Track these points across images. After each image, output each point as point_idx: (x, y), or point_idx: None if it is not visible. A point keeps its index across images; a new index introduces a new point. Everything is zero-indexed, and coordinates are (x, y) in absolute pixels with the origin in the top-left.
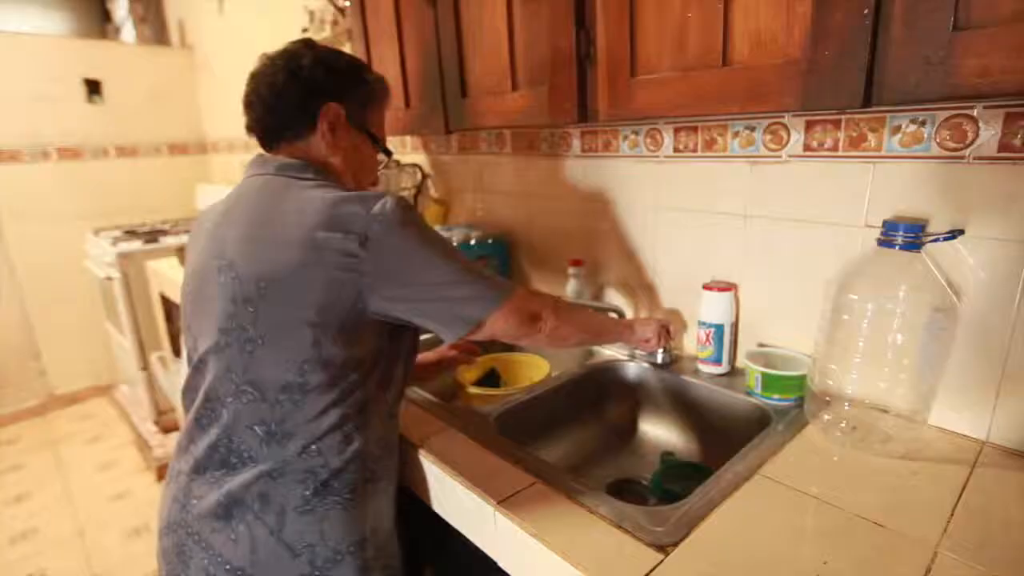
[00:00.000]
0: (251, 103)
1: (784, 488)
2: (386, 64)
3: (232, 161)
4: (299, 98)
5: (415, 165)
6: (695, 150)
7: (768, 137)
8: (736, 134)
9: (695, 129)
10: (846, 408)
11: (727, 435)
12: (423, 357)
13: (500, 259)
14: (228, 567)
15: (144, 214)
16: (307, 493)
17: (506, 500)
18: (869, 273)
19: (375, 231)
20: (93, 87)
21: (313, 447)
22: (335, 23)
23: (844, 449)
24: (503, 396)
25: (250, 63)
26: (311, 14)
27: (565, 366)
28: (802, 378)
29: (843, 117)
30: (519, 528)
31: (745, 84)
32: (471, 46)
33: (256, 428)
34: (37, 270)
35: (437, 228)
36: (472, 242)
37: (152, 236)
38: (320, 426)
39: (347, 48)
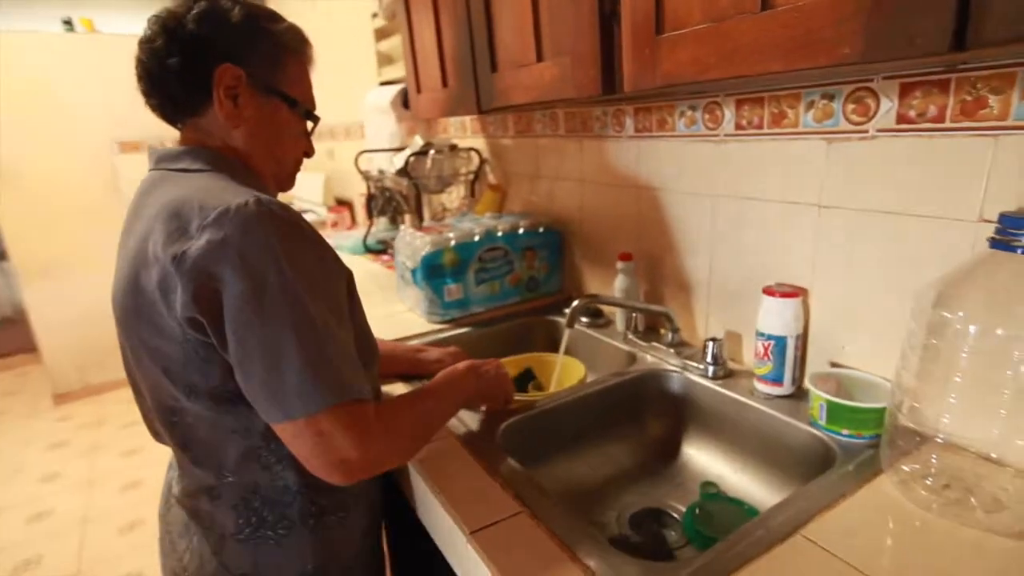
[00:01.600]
0: (139, 76)
1: (833, 560)
2: (425, 42)
3: (319, 149)
4: (185, 64)
5: (472, 149)
6: (760, 126)
7: (851, 107)
8: (810, 104)
9: (760, 101)
10: (934, 460)
11: (781, 471)
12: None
13: (551, 251)
14: (184, 570)
15: None
16: (240, 521)
17: (480, 531)
18: (980, 284)
19: (201, 243)
20: None
21: (229, 477)
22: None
23: (930, 513)
24: (528, 402)
25: (336, 54)
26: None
27: (605, 371)
28: (879, 412)
29: (953, 76)
30: (484, 566)
31: (789, 32)
32: (499, 14)
33: (173, 448)
34: None
35: (488, 216)
36: (520, 231)
37: None
38: (227, 455)
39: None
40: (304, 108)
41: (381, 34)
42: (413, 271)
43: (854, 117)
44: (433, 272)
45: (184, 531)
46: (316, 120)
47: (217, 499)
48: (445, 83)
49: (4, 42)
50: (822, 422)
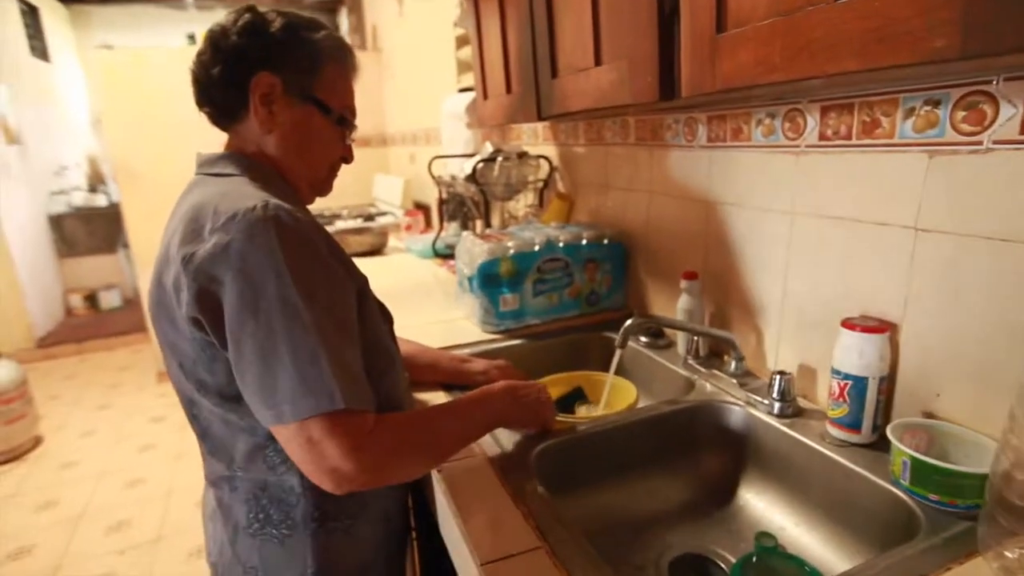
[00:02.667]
0: (192, 86)
1: None
2: (492, 47)
3: (402, 154)
4: (225, 72)
5: (542, 157)
6: (848, 136)
7: (961, 114)
8: (910, 112)
9: (849, 107)
10: None
11: (853, 531)
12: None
13: (615, 264)
14: (210, 554)
15: (324, 201)
16: (250, 515)
17: (492, 564)
18: None
19: (206, 248)
20: None
21: (239, 472)
22: None
23: None
24: (570, 424)
25: (420, 61)
26: (461, 7)
27: (660, 396)
28: (979, 479)
29: None
30: None
31: (866, 24)
32: (561, 16)
33: (197, 438)
34: None
35: (552, 226)
36: (583, 242)
37: (328, 220)
38: (237, 450)
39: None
40: (338, 114)
41: (461, 41)
42: (470, 278)
43: (965, 127)
44: (489, 280)
45: (212, 515)
46: (350, 126)
47: (235, 490)
48: (509, 89)
49: (136, 55)
50: (905, 482)
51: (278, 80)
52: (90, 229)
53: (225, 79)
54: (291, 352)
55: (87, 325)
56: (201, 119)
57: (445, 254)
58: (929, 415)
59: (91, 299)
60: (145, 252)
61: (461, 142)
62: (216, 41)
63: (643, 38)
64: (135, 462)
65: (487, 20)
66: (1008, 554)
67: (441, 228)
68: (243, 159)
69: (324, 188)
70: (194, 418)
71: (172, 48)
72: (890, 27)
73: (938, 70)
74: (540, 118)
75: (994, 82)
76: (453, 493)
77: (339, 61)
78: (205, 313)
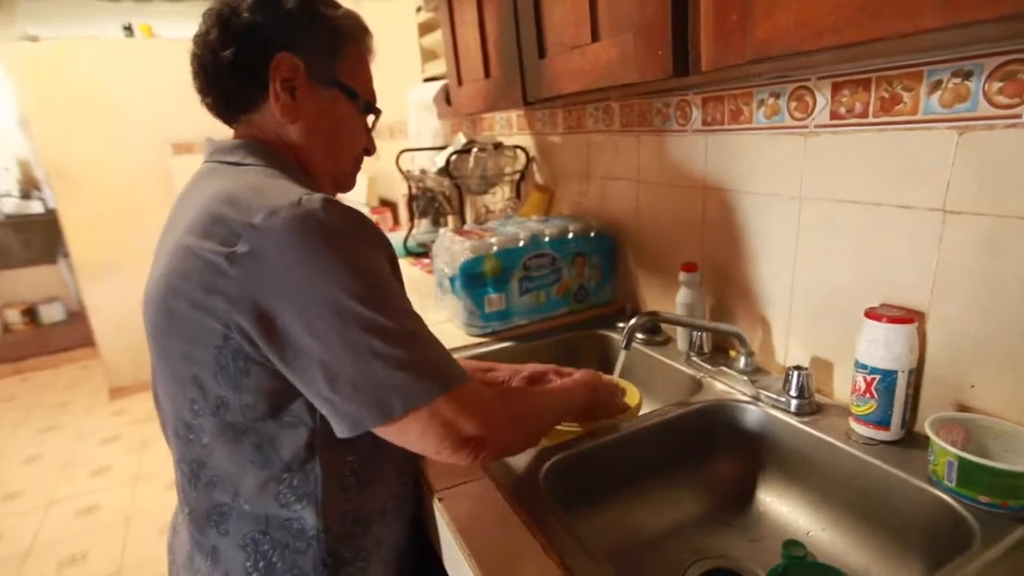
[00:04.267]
0: (195, 73)
1: None
2: (467, 29)
3: None
4: (240, 55)
5: (518, 147)
6: (864, 114)
7: (996, 86)
8: (937, 85)
9: (865, 84)
10: None
11: (890, 537)
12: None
13: (603, 257)
14: None
15: None
16: (248, 564)
17: None
18: None
19: (252, 245)
20: None
21: (245, 505)
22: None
23: None
24: (580, 434)
25: (380, 50)
26: None
27: (664, 397)
28: None
29: None
30: None
31: None
32: None
33: (182, 466)
34: None
35: (534, 219)
36: (569, 236)
37: None
38: (245, 482)
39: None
40: (364, 101)
41: (425, 28)
42: (452, 279)
43: (1001, 99)
44: (473, 280)
45: (188, 563)
46: (378, 113)
47: (226, 534)
48: (488, 73)
49: (65, 48)
50: (950, 483)
51: (300, 62)
52: (25, 238)
53: (238, 62)
54: (396, 335)
55: (27, 342)
56: (143, 115)
57: (418, 252)
58: (963, 408)
59: (30, 314)
60: (89, 261)
61: (429, 134)
62: (225, 20)
63: (652, 7)
64: (87, 488)
65: (460, 2)
66: None
67: (412, 225)
68: (263, 148)
69: (348, 183)
70: (187, 443)
71: (107, 40)
72: None
73: (985, 35)
74: (526, 103)
75: None
76: (460, 527)
77: (359, 41)
78: (255, 321)
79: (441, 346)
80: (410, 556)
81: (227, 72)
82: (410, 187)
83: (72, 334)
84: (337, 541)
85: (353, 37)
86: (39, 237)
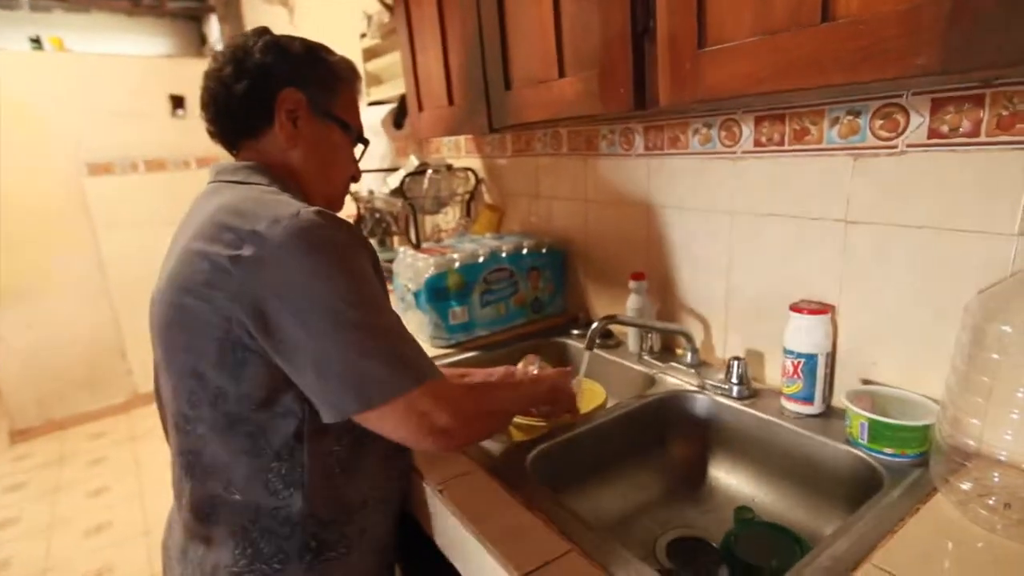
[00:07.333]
0: (205, 104)
1: None
2: (429, 57)
3: None
4: (251, 89)
5: (468, 169)
6: (781, 143)
7: (879, 123)
8: (835, 120)
9: (781, 118)
10: (996, 478)
11: (819, 493)
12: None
13: (555, 271)
14: None
15: None
16: (236, 552)
17: (532, 573)
18: None
19: (255, 249)
20: (177, 102)
21: (236, 494)
22: (392, 31)
23: (993, 534)
24: (548, 428)
25: None
26: (368, 18)
27: (622, 394)
28: (926, 429)
29: (988, 91)
30: None
31: (855, 43)
32: (515, 28)
33: (180, 457)
34: (126, 274)
35: (488, 236)
36: (524, 251)
37: None
38: (236, 472)
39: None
40: (355, 132)
41: (370, 54)
42: (416, 294)
43: (883, 133)
44: (437, 295)
45: (181, 557)
46: (366, 143)
47: (217, 524)
48: (452, 101)
49: None
50: (863, 441)
51: (303, 96)
52: None
53: (250, 95)
54: (378, 333)
55: None
56: (56, 132)
57: None
58: (867, 382)
59: None
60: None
61: (376, 157)
62: (239, 59)
63: (614, 51)
64: None
65: (422, 30)
66: (963, 487)
67: None
68: (266, 170)
69: (338, 204)
70: (185, 435)
71: (14, 52)
72: (877, 46)
73: (867, 88)
74: (492, 130)
75: (904, 96)
76: (463, 509)
77: (351, 83)
78: (254, 315)
79: (418, 344)
80: (392, 550)
81: (237, 103)
82: (359, 208)
83: None
84: (321, 527)
85: (347, 79)
86: None
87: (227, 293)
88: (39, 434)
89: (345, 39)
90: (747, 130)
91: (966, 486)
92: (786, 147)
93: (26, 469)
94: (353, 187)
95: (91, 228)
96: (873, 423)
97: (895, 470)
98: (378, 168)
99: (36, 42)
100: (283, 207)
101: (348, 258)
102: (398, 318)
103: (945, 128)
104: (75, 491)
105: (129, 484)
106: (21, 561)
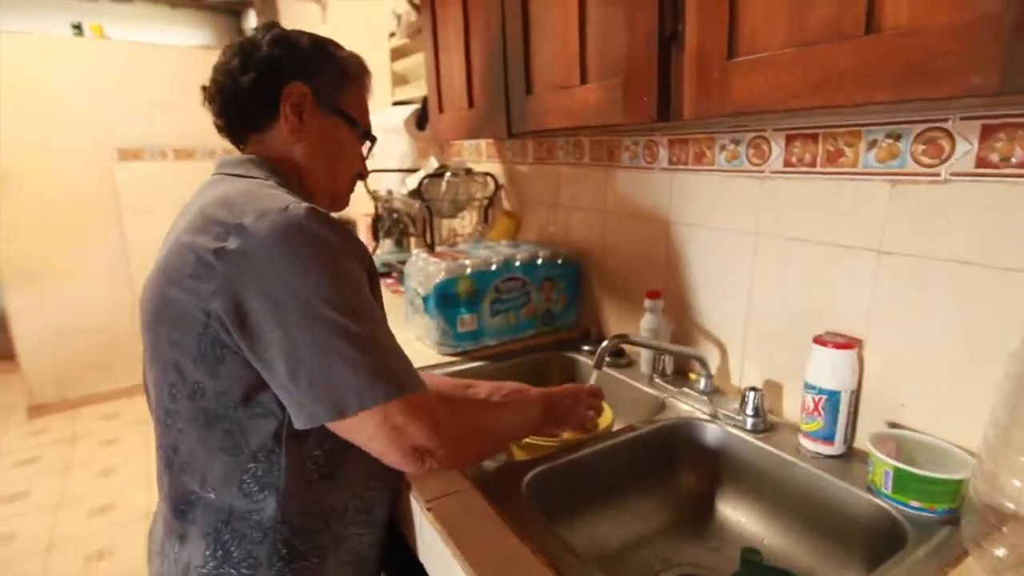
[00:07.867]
0: (212, 96)
1: None
2: (451, 57)
3: None
4: (257, 82)
5: (487, 174)
6: (812, 164)
7: (921, 148)
8: (873, 143)
9: (814, 137)
10: None
11: (835, 541)
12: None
13: (569, 283)
14: None
15: None
16: (207, 553)
17: None
18: None
19: (240, 242)
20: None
21: (211, 493)
22: (419, 30)
23: None
24: (553, 447)
25: None
26: (398, 18)
27: (630, 416)
28: (958, 484)
29: None
30: None
31: (904, 57)
32: (538, 30)
33: (160, 450)
34: (147, 260)
35: (503, 244)
36: (539, 261)
37: None
38: (212, 470)
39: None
40: (363, 129)
41: (398, 53)
42: (425, 298)
43: (924, 159)
44: (446, 301)
45: (160, 549)
46: (373, 140)
47: (193, 523)
48: (472, 103)
49: (10, 42)
50: (886, 491)
51: (308, 90)
52: None
53: (256, 88)
54: (360, 337)
55: None
56: (90, 118)
57: (382, 272)
58: (894, 425)
59: None
60: (16, 265)
61: (396, 156)
62: (247, 52)
63: (639, 59)
64: (1, 515)
65: (445, 33)
66: (998, 553)
67: (376, 245)
68: (268, 164)
69: (343, 202)
70: (167, 429)
71: (55, 37)
72: (927, 63)
73: (912, 107)
74: (510, 135)
75: (950, 120)
76: (450, 532)
77: (360, 78)
78: (232, 311)
79: (403, 356)
80: (373, 563)
81: (243, 95)
82: (377, 207)
83: None
84: (294, 533)
85: (355, 75)
86: None
87: (208, 287)
88: (55, 410)
89: (375, 38)
90: (777, 148)
91: (1000, 552)
92: (818, 168)
93: (41, 444)
94: (372, 186)
95: (117, 213)
96: (899, 472)
97: (921, 525)
98: (398, 168)
99: (77, 28)
100: (273, 201)
101: (335, 259)
102: (385, 327)
103: (995, 157)
104: (85, 470)
105: (137, 466)
106: (26, 536)
